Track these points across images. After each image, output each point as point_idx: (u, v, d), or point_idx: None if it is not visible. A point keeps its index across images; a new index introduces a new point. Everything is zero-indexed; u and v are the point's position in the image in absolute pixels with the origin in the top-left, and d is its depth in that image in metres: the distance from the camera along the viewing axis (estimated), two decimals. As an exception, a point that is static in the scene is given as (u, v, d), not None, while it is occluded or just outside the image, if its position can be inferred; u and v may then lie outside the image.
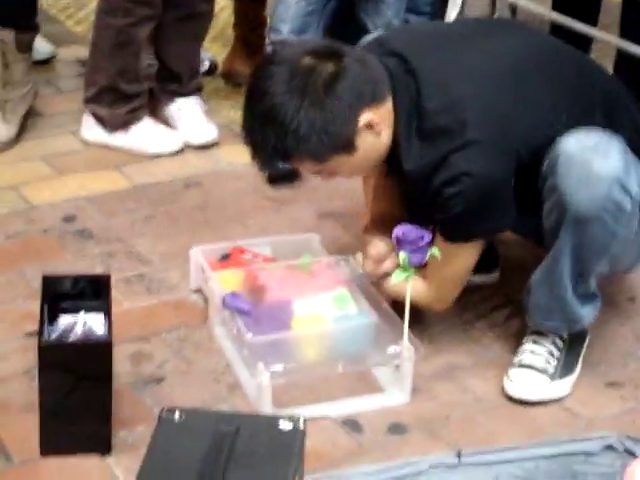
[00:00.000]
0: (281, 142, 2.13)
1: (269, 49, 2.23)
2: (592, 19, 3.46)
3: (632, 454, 2.08)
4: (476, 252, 2.33)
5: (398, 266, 2.27)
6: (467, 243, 2.30)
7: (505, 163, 2.19)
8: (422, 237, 2.21)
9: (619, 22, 3.45)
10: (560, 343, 2.37)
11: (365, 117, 2.14)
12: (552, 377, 2.32)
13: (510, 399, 2.32)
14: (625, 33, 3.37)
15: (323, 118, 2.11)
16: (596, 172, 2.13)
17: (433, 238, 2.25)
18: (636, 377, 2.41)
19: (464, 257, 2.32)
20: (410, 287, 2.25)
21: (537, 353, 2.35)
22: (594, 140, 2.17)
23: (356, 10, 3.30)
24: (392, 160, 2.27)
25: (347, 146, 2.16)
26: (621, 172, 2.14)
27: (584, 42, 3.49)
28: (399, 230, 2.23)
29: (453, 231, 2.27)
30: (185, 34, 3.35)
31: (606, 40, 3.29)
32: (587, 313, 2.33)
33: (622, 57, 3.36)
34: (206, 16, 3.39)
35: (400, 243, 2.23)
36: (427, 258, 2.24)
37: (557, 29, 3.40)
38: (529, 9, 3.17)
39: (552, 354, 2.35)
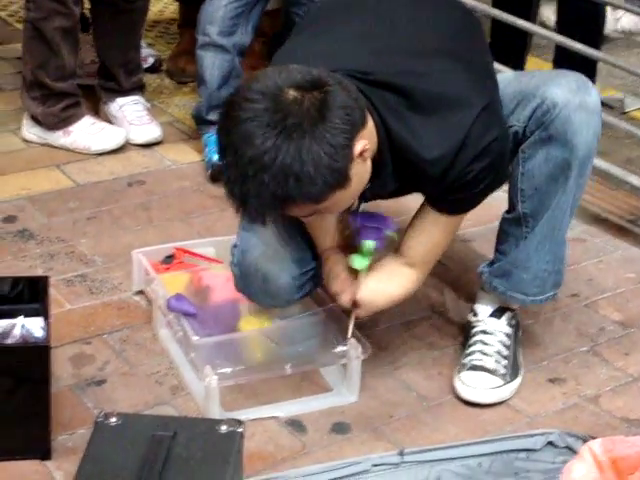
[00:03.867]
0: (281, 188, 1.86)
1: (238, 86, 1.97)
2: (531, 12, 3.51)
3: (573, 450, 2.09)
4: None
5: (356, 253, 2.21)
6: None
7: (502, 115, 2.17)
8: (385, 223, 2.21)
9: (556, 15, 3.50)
10: (507, 341, 2.37)
11: (360, 145, 1.92)
12: (504, 378, 2.32)
13: (463, 402, 2.30)
14: (562, 26, 3.41)
15: (327, 154, 1.86)
16: (592, 110, 2.19)
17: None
18: (578, 373, 2.42)
19: (460, 223, 2.26)
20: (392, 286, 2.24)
21: (487, 353, 2.35)
22: (573, 82, 2.19)
23: (288, 13, 3.29)
24: (380, 175, 2.10)
25: (344, 180, 1.92)
26: (599, 102, 2.23)
27: (523, 36, 3.54)
28: (359, 217, 2.19)
29: (468, 204, 2.18)
30: (118, 29, 3.34)
31: (544, 35, 3.31)
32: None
33: (560, 50, 3.40)
34: (139, 12, 3.38)
35: (364, 230, 2.19)
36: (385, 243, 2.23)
37: (498, 24, 3.44)
38: (471, 5, 3.18)
39: (500, 354, 2.35)
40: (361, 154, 1.94)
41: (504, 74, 2.33)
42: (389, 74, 2.03)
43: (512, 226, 2.31)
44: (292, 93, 1.87)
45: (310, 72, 1.92)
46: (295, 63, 1.97)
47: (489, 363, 2.33)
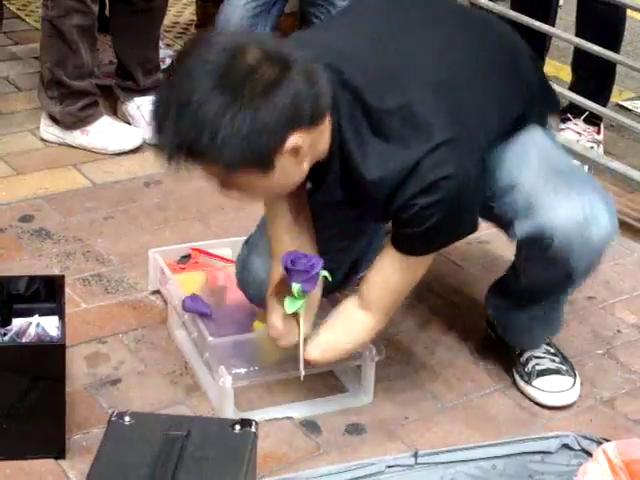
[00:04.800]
0: (194, 137, 1.81)
1: (212, 31, 1.91)
2: (550, 15, 3.49)
3: (588, 453, 2.08)
4: (431, 259, 2.12)
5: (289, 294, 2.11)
6: (431, 254, 2.09)
7: (477, 158, 2.01)
8: (312, 265, 2.09)
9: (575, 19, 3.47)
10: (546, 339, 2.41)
11: (294, 140, 1.85)
12: (570, 374, 2.34)
13: (546, 407, 2.31)
14: (581, 29, 3.39)
15: (251, 127, 1.80)
16: (597, 241, 2.07)
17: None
18: (594, 376, 2.41)
19: (421, 269, 2.10)
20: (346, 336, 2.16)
21: (539, 357, 2.36)
22: (580, 212, 2.06)
23: (304, 12, 3.29)
24: (326, 180, 2.03)
25: (265, 164, 1.85)
26: (612, 230, 2.11)
27: (542, 39, 3.51)
28: (287, 259, 2.09)
29: (420, 245, 2.04)
30: (136, 28, 3.35)
31: (563, 38, 3.29)
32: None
33: (579, 53, 3.38)
34: (156, 11, 3.39)
35: (291, 274, 2.10)
36: (318, 283, 2.13)
37: (516, 26, 3.42)
38: (489, 7, 3.18)
39: (549, 352, 2.37)
40: (295, 151, 1.87)
41: (532, 152, 2.15)
42: (361, 82, 1.96)
43: (513, 284, 2.29)
44: (250, 58, 1.81)
45: (282, 48, 1.86)
46: (297, 46, 1.94)
47: (549, 364, 2.34)
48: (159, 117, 1.85)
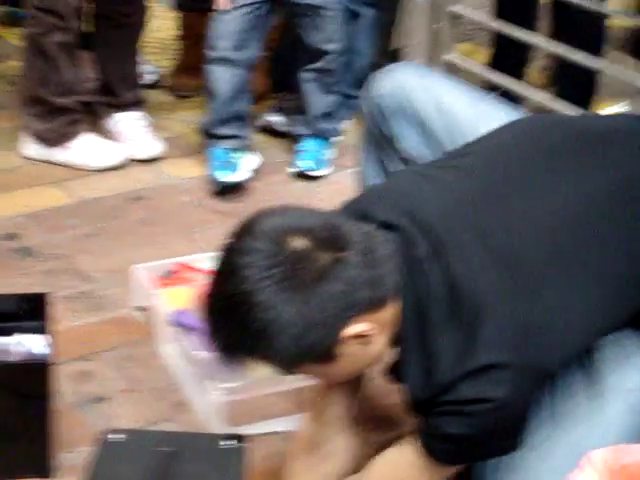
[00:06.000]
0: (244, 336, 1.68)
1: (255, 215, 1.73)
2: (531, 26, 3.49)
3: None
4: (453, 469, 1.85)
5: None
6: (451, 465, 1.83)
7: (532, 389, 1.75)
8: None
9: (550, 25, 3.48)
10: None
11: (353, 328, 1.68)
12: None
13: None
14: (557, 36, 3.40)
15: (301, 323, 1.64)
16: None
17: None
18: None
19: (438, 476, 1.84)
20: None
21: None
22: None
23: (295, 26, 3.29)
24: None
25: (324, 357, 1.71)
26: None
27: (524, 49, 3.53)
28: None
29: (439, 451, 1.78)
30: (117, 44, 3.36)
31: (546, 48, 3.30)
32: None
33: (562, 62, 3.39)
34: (136, 26, 3.40)
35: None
36: None
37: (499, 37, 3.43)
38: (470, 18, 3.19)
39: None
40: (359, 336, 1.70)
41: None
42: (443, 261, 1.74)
43: None
44: (300, 244, 1.66)
45: (336, 224, 1.71)
46: (384, 194, 1.85)
47: None
48: (210, 320, 1.73)
